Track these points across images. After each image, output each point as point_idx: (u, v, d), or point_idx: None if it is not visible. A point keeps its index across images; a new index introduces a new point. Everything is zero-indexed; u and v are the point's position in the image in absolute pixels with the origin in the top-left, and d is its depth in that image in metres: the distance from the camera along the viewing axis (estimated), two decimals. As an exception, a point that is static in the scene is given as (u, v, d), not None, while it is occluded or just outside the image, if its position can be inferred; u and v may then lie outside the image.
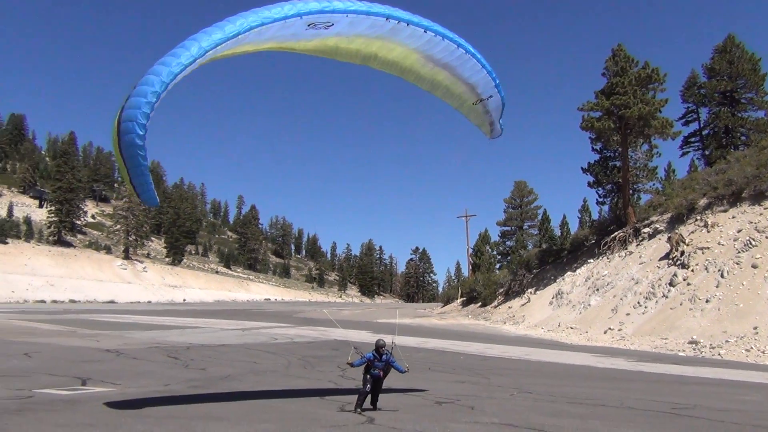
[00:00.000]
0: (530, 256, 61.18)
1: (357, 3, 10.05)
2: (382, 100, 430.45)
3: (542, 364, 22.39)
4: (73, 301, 79.08)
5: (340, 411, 11.01)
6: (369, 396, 10.53)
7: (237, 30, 8.90)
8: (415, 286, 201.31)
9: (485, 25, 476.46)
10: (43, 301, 75.71)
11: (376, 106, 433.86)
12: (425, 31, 10.99)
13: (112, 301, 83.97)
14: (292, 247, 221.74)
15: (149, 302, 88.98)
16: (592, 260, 49.62)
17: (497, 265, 78.02)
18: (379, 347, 10.45)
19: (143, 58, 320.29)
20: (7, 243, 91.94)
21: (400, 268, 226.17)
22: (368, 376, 10.41)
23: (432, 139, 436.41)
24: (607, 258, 47.56)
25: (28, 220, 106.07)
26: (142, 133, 8.39)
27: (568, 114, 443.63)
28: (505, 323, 48.68)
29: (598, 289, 43.60)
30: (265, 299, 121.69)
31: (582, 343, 34.46)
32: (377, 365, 10.39)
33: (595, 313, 40.74)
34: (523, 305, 52.01)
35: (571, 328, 39.94)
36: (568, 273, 50.44)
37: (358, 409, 10.31)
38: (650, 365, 22.78)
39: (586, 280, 46.66)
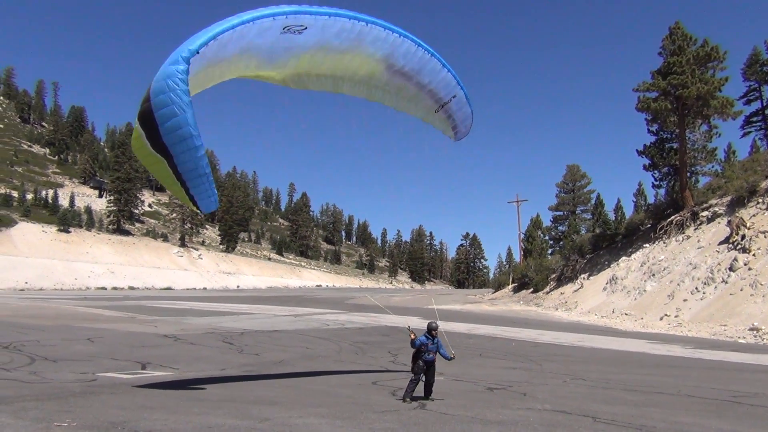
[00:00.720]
0: (583, 241, 60.17)
1: (325, 8, 10.55)
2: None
3: (595, 351, 22.07)
4: (132, 288, 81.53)
5: (392, 396, 11.10)
6: (421, 384, 10.38)
7: (221, 29, 9.27)
8: (466, 272, 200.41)
9: (537, 7, 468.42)
10: (104, 288, 78.25)
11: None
12: (390, 33, 11.33)
13: (169, 288, 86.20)
14: (343, 233, 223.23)
15: (204, 289, 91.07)
16: (647, 245, 48.51)
17: (549, 251, 76.94)
18: (431, 330, 10.32)
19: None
20: (69, 232, 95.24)
21: (451, 254, 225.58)
22: (420, 363, 10.21)
23: (482, 123, 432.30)
24: (664, 243, 46.43)
25: (89, 210, 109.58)
26: (187, 99, 8.56)
27: (623, 95, 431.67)
28: (557, 309, 48.11)
29: (653, 275, 42.63)
30: (317, 286, 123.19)
31: (637, 329, 33.80)
32: (431, 348, 10.22)
33: (650, 299, 39.88)
34: (575, 291, 51.27)
35: (626, 314, 39.22)
36: (623, 258, 49.45)
37: (408, 398, 10.11)
38: (708, 352, 22.21)
39: (641, 266, 45.67)
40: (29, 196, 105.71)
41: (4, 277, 70.90)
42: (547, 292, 57.03)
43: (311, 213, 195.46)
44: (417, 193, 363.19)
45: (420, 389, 10.43)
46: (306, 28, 10.18)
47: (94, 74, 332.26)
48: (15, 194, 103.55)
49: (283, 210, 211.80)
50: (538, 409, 9.93)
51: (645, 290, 41.55)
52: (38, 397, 9.83)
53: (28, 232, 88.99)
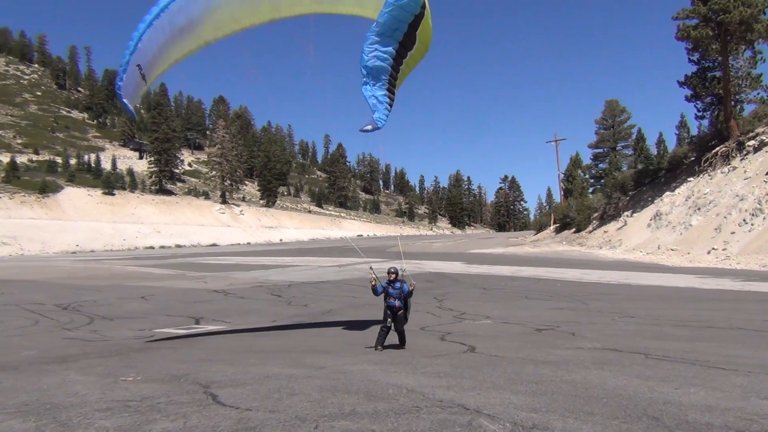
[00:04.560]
0: (625, 177, 59.01)
1: None
2: (462, 24, 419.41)
3: (643, 288, 21.91)
4: (179, 246, 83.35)
5: (441, 341, 11.25)
6: (393, 331, 10.04)
7: None
8: (506, 215, 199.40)
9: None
10: (152, 248, 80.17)
11: (457, 30, 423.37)
12: None
13: (214, 244, 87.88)
14: (380, 182, 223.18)
15: (248, 244, 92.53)
16: (692, 178, 47.42)
17: (590, 189, 75.77)
18: (389, 274, 10.09)
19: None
20: (114, 194, 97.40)
21: (490, 197, 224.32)
22: (387, 310, 9.97)
23: (517, 61, 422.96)
24: (709, 175, 45.32)
25: (131, 172, 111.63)
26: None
27: (661, 25, 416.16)
28: (601, 248, 47.70)
29: (699, 208, 41.79)
30: (358, 235, 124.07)
31: (684, 264, 33.39)
32: (391, 293, 9.91)
33: (696, 234, 39.21)
34: (619, 229, 50.66)
35: (672, 249, 38.69)
36: (667, 193, 48.49)
37: (379, 347, 9.88)
38: (759, 284, 21.87)
39: (686, 200, 44.77)
40: (72, 161, 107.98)
41: (56, 241, 73.18)
42: (590, 231, 56.47)
43: (348, 163, 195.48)
44: (453, 137, 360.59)
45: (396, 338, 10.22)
46: None
47: (124, 37, 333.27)
48: (59, 160, 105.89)
49: (320, 162, 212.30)
50: (588, 348, 9.95)
51: (691, 225, 40.82)
52: (101, 354, 10.24)
53: (75, 197, 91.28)
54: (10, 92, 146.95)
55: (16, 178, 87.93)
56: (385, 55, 9.79)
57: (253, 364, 8.82)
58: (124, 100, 9.22)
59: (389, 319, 9.93)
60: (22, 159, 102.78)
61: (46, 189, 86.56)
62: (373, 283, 10.21)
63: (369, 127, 9.87)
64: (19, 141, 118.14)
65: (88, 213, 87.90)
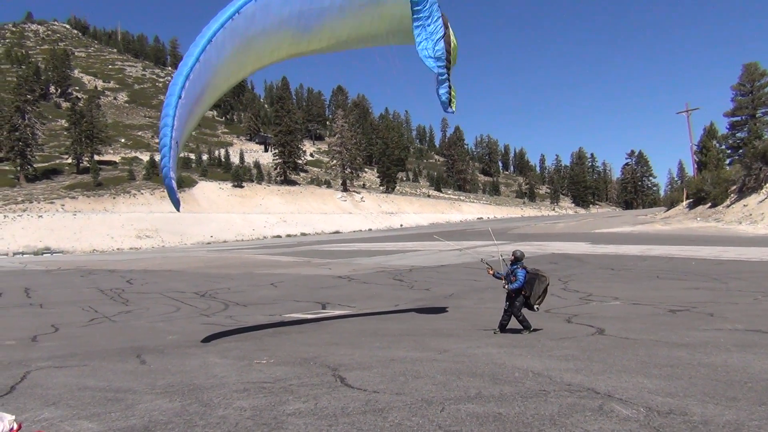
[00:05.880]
0: (767, 146, 54.63)
1: None
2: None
3: (790, 265, 20.29)
4: (304, 234, 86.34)
5: (568, 323, 10.96)
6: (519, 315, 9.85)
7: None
8: (633, 192, 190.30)
9: None
10: (279, 236, 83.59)
11: (579, 2, 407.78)
12: None
13: (337, 232, 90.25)
14: (500, 164, 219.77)
15: (370, 230, 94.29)
16: None
17: (727, 161, 70.76)
18: (517, 259, 9.85)
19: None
20: (243, 187, 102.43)
21: (616, 174, 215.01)
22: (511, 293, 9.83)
23: (640, 29, 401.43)
24: None
25: (257, 165, 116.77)
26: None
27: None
28: (740, 223, 44.51)
29: None
30: (478, 218, 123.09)
31: (838, 238, 30.56)
32: (517, 275, 9.74)
33: None
34: (760, 202, 47.02)
35: (824, 222, 35.48)
36: (816, 161, 44.41)
37: (497, 329, 9.86)
38: None
39: (839, 168, 40.81)
40: (204, 157, 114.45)
41: (193, 233, 78.03)
42: (728, 206, 52.81)
43: (466, 146, 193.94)
44: (574, 113, 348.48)
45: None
46: None
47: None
48: (192, 156, 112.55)
49: (437, 146, 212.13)
50: (728, 329, 9.35)
51: None
52: (237, 339, 10.84)
53: (207, 190, 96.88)
54: (147, 95, 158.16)
55: (155, 175, 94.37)
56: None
57: (379, 348, 9.00)
58: (173, 185, 9.06)
59: (506, 303, 9.90)
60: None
61: (182, 184, 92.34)
62: (490, 272, 10.18)
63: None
64: (157, 140, 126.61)
65: (220, 205, 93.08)
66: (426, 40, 10.27)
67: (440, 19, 10.41)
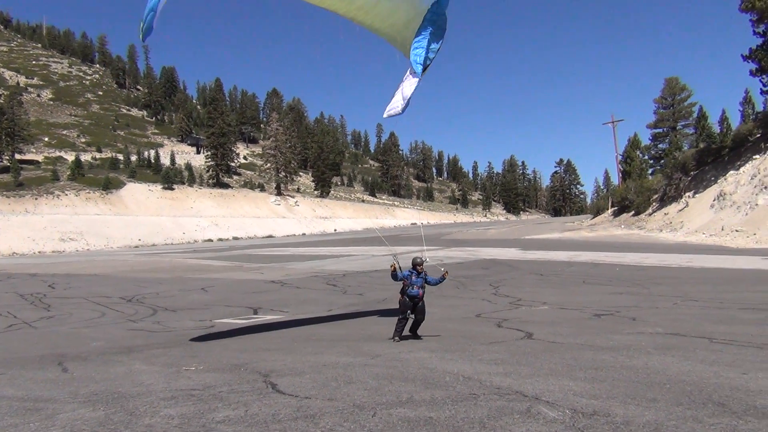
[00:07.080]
0: (686, 157, 57.18)
1: None
2: (513, 5, 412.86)
3: (706, 271, 21.26)
4: (236, 238, 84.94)
5: (498, 327, 11.16)
6: (411, 321, 9.85)
7: None
8: (562, 200, 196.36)
9: None
10: (210, 240, 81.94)
11: (508, 11, 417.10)
12: None
13: (270, 236, 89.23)
14: (434, 170, 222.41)
15: (303, 234, 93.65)
16: (758, 156, 45.60)
17: (650, 171, 73.71)
18: (416, 265, 9.84)
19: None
20: (173, 189, 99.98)
21: (545, 182, 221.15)
22: (406, 298, 9.78)
23: (571, 42, 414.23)
24: (776, 153, 43.52)
25: (189, 167, 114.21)
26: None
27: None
28: (661, 231, 46.44)
29: (766, 187, 40.20)
30: (412, 224, 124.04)
31: (749, 246, 32.22)
32: (414, 282, 9.75)
33: (763, 213, 37.75)
34: (680, 211, 49.20)
35: (736, 231, 37.36)
36: (731, 172, 46.79)
37: (396, 337, 9.75)
38: (832, 265, 20.94)
39: (751, 178, 43.11)
40: (133, 158, 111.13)
41: (120, 236, 75.64)
42: (650, 214, 55.05)
43: (401, 152, 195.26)
44: (506, 121, 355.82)
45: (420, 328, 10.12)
46: None
47: (180, 33, 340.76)
48: (120, 157, 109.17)
49: (372, 151, 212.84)
50: (649, 333, 9.71)
51: (757, 204, 39.33)
52: (165, 345, 10.55)
53: (136, 192, 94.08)
54: (73, 93, 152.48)
55: (81, 176, 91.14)
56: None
57: (311, 353, 8.94)
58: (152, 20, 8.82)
59: (408, 310, 9.77)
60: (86, 157, 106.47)
61: (109, 185, 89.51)
62: (392, 268, 10.04)
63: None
64: (83, 140, 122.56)
65: (149, 208, 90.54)
66: (422, 48, 10.53)
67: (442, 40, 10.71)
